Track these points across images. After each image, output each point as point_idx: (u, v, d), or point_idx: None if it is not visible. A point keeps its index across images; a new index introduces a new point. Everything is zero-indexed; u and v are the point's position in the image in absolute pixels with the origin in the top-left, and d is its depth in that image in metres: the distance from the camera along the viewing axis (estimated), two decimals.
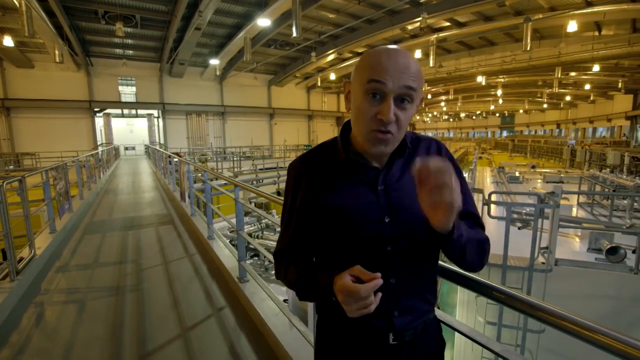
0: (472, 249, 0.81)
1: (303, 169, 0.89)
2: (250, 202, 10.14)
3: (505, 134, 47.26)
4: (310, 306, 1.96)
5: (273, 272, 7.26)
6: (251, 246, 5.02)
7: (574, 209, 7.91)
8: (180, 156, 9.52)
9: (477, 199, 6.24)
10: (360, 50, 20.59)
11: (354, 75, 0.81)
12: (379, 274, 0.72)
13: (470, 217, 0.90)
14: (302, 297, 0.90)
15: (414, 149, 0.89)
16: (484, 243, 0.84)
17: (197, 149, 24.20)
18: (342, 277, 0.73)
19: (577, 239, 5.72)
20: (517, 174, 12.42)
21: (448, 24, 16.02)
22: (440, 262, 0.95)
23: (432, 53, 15.81)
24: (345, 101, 0.85)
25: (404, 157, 0.87)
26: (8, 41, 14.25)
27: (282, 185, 15.65)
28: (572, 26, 12.05)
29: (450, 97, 30.27)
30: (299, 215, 0.89)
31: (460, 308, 5.46)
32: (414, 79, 0.75)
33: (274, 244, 8.11)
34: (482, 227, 0.92)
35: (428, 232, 0.83)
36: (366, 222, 0.82)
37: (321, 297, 0.83)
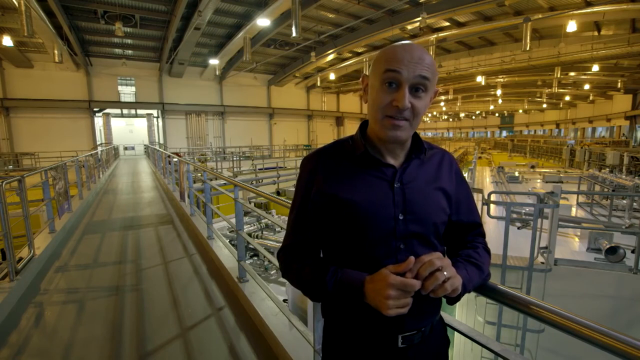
0: (476, 286, 0.87)
1: (319, 163, 0.90)
2: (250, 202, 10.14)
3: (504, 133, 47.27)
4: (309, 306, 1.96)
5: (273, 272, 7.26)
6: (251, 246, 5.02)
7: (574, 209, 7.93)
8: (179, 156, 9.52)
9: (477, 198, 6.24)
10: (360, 50, 20.59)
11: (371, 68, 0.84)
12: (412, 258, 0.74)
13: (473, 227, 0.94)
14: (315, 299, 0.90)
15: (428, 155, 0.91)
16: (486, 277, 0.89)
17: (196, 149, 24.17)
18: (388, 275, 0.74)
19: (577, 239, 5.73)
20: (516, 173, 12.44)
21: (448, 23, 16.02)
22: None
23: (431, 53, 15.80)
24: (363, 94, 0.88)
25: (420, 158, 0.89)
26: (7, 41, 14.22)
27: (282, 185, 15.72)
28: (571, 26, 12.05)
29: (450, 97, 30.24)
30: (313, 209, 0.89)
31: (460, 308, 5.46)
32: (428, 69, 0.78)
33: (274, 243, 8.11)
34: (483, 235, 0.95)
35: (438, 232, 0.88)
36: (380, 218, 0.82)
37: (348, 297, 0.81)
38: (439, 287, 0.71)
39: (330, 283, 0.82)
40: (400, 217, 0.82)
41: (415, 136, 0.88)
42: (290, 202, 0.98)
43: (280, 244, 0.97)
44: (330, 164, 0.89)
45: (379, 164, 0.86)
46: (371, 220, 0.82)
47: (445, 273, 0.72)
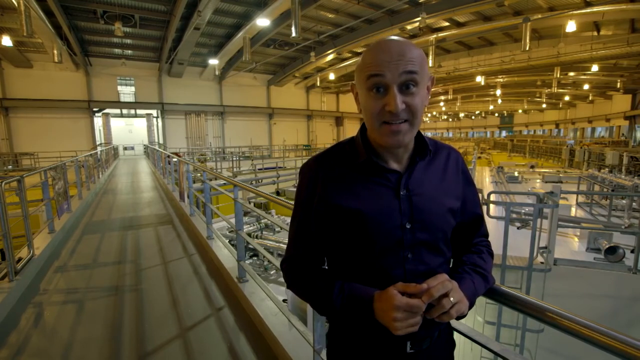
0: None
1: (319, 170, 0.85)
2: (250, 202, 10.14)
3: (504, 133, 47.28)
4: (309, 306, 1.95)
5: (272, 272, 7.26)
6: (250, 246, 5.01)
7: (573, 209, 7.93)
8: (179, 156, 9.52)
9: None
10: (359, 50, 20.58)
11: (356, 76, 0.80)
12: (424, 285, 0.72)
13: (475, 220, 0.93)
14: (323, 314, 0.88)
15: (434, 155, 0.88)
16: (490, 284, 0.89)
17: (196, 149, 24.18)
18: (394, 295, 0.72)
19: (576, 239, 5.73)
20: (516, 173, 12.45)
21: (447, 23, 16.02)
22: None
23: (431, 53, 15.81)
24: (356, 103, 0.83)
25: (425, 160, 0.85)
26: (7, 41, 14.20)
27: (282, 185, 15.72)
28: (571, 26, 12.06)
29: (450, 97, 30.25)
30: (316, 219, 0.85)
31: None
32: (413, 62, 0.73)
33: (273, 243, 8.11)
34: (486, 235, 0.96)
35: (446, 238, 0.86)
36: (386, 227, 0.79)
37: (357, 315, 0.79)
38: (444, 315, 0.71)
39: (337, 301, 0.79)
40: (408, 226, 0.79)
41: (419, 136, 0.84)
42: (290, 201, 0.97)
43: (280, 244, 0.96)
44: (331, 171, 0.84)
45: (382, 170, 0.82)
46: (377, 230, 0.79)
47: (452, 299, 0.71)
